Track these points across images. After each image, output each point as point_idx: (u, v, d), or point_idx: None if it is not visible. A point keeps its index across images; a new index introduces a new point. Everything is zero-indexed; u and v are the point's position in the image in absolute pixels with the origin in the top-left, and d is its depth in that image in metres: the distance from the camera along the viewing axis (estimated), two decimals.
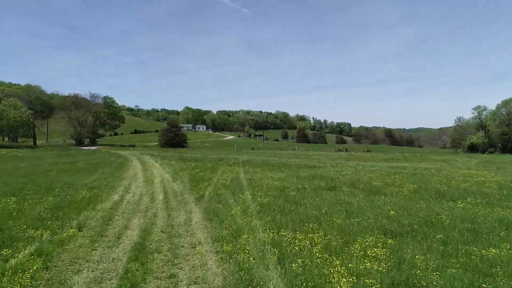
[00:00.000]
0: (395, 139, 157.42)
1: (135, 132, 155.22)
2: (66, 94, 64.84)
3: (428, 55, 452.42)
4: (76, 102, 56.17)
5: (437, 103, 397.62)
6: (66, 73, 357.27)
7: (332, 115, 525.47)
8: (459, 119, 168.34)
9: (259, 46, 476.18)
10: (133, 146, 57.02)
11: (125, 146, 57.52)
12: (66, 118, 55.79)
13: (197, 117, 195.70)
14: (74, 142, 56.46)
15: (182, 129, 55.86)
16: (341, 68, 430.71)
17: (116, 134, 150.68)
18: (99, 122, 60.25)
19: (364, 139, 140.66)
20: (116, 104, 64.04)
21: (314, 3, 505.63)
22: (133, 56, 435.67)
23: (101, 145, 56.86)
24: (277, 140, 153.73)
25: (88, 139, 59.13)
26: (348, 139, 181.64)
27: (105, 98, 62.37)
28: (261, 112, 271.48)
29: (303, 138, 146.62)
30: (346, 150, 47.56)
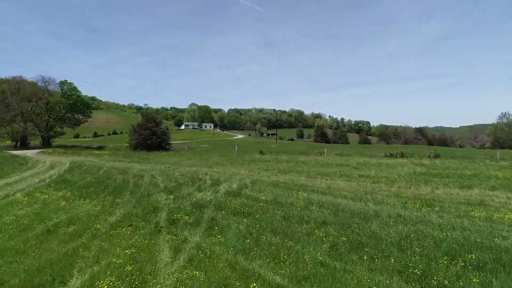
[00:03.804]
0: (427, 138, 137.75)
1: None
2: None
3: (445, 53, 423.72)
4: (17, 88, 41.53)
5: (454, 101, 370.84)
6: (82, 74, 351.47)
7: (347, 113, 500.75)
8: (504, 115, 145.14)
9: (274, 45, 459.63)
10: (101, 148, 42.61)
11: (92, 148, 43.15)
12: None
13: (204, 114, 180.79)
14: (16, 143, 41.72)
15: (162, 125, 40.12)
16: (356, 66, 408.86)
17: (115, 133, 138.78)
18: (56, 116, 45.71)
19: (395, 138, 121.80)
20: (79, 92, 49.26)
21: (329, 1, 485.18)
22: (148, 56, 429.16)
23: (58, 146, 42.93)
24: (292, 139, 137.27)
25: (40, 139, 44.90)
26: (371, 138, 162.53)
27: (62, 83, 47.35)
28: (274, 110, 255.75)
29: (321, 137, 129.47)
30: (402, 155, 31.16)
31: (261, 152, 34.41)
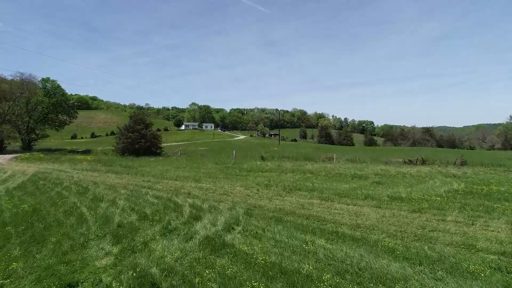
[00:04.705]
0: (435, 139, 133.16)
1: None
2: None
3: (445, 53, 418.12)
4: None
5: (455, 101, 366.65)
6: (82, 74, 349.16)
7: (348, 112, 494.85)
8: None
9: (276, 44, 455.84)
10: (87, 152, 38.98)
11: (77, 152, 39.52)
12: None
13: (205, 114, 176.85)
14: None
15: (154, 127, 36.27)
16: (357, 66, 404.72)
17: (113, 133, 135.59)
18: (37, 117, 41.98)
19: (401, 139, 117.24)
20: (63, 90, 45.13)
21: (329, 0, 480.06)
22: (148, 56, 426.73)
23: (41, 149, 39.43)
24: (295, 140, 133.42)
25: (20, 142, 41.40)
26: (376, 139, 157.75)
27: (44, 81, 43.76)
28: (276, 109, 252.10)
29: (325, 138, 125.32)
30: (423, 162, 27.34)
31: (262, 158, 30.60)
